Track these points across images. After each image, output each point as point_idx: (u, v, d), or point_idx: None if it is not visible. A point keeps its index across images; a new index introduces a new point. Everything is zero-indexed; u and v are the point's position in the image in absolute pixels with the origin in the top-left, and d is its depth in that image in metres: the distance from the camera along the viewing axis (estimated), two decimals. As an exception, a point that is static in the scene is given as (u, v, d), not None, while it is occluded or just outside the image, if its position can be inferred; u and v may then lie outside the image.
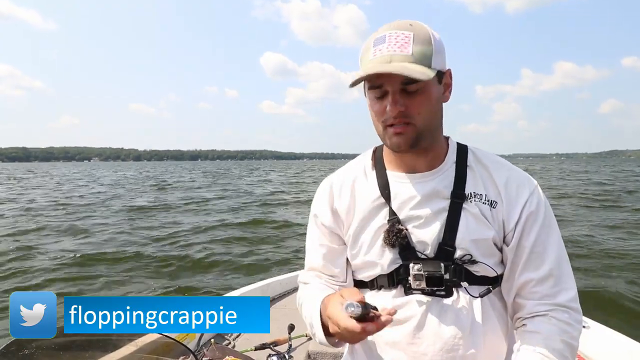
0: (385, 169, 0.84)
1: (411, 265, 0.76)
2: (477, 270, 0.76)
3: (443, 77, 0.75)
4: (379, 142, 0.88)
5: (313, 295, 0.81)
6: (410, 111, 0.72)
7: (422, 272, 0.74)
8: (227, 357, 1.45)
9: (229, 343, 1.87)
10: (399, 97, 0.71)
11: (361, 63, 0.74)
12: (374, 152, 0.89)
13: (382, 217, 0.80)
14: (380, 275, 0.80)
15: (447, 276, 0.74)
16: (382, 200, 0.81)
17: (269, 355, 1.56)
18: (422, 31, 0.71)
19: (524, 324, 0.76)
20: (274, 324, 2.12)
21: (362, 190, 0.84)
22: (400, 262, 0.78)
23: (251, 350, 1.72)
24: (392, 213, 0.79)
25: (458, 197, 0.77)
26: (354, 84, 0.72)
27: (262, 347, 1.74)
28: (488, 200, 0.77)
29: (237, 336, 1.96)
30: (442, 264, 0.75)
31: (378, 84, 0.72)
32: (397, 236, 0.76)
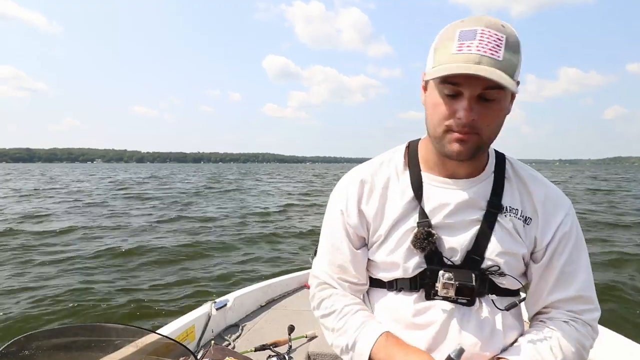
0: (420, 169, 0.80)
1: (441, 272, 0.72)
2: (503, 282, 0.75)
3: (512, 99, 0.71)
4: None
5: (359, 321, 0.78)
6: (480, 122, 0.66)
7: (452, 282, 0.71)
8: (227, 358, 1.45)
9: (229, 344, 1.87)
10: (475, 104, 0.65)
11: (436, 53, 0.66)
12: (408, 147, 0.84)
13: (413, 220, 0.76)
14: (401, 278, 0.78)
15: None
16: (415, 202, 0.77)
17: (269, 356, 1.56)
18: (513, 36, 0.64)
19: (542, 321, 0.77)
20: (274, 324, 2.14)
21: (393, 192, 0.80)
22: (424, 266, 0.75)
23: (251, 351, 1.72)
24: (424, 216, 0.76)
25: (494, 208, 0.75)
26: (432, 78, 0.65)
27: (262, 348, 1.74)
28: (523, 216, 0.75)
29: (237, 337, 1.96)
30: (472, 275, 0.72)
31: (455, 81, 0.64)
32: (427, 241, 0.73)
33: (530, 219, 0.75)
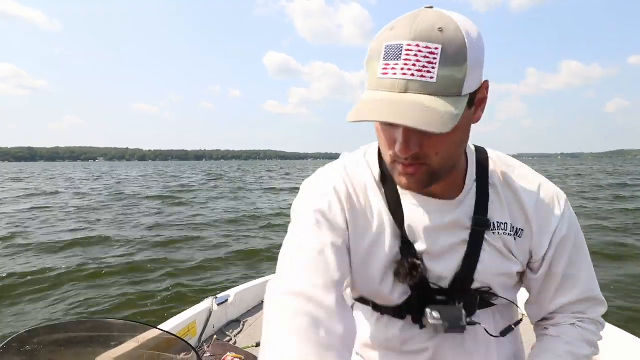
0: (397, 186, 0.69)
1: (428, 310, 0.67)
2: (495, 301, 0.71)
3: (477, 95, 0.57)
4: None
5: None
6: (426, 152, 0.56)
7: (440, 321, 0.66)
8: (228, 354, 1.46)
9: (230, 339, 1.88)
10: (413, 135, 0.55)
11: (367, 68, 0.56)
12: (380, 152, 0.72)
13: (394, 246, 0.68)
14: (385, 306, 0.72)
15: (461, 305, 0.68)
16: (394, 226, 0.68)
17: (270, 352, 1.56)
18: (456, 40, 0.50)
19: (546, 328, 0.73)
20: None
21: (371, 211, 0.69)
22: (410, 292, 0.69)
23: (252, 346, 1.72)
24: (406, 242, 0.67)
25: (480, 225, 0.66)
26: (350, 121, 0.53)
27: (263, 343, 1.74)
28: (513, 230, 0.67)
29: (239, 332, 1.97)
30: (464, 312, 0.67)
31: None
32: (411, 274, 0.66)
33: (522, 230, 0.68)
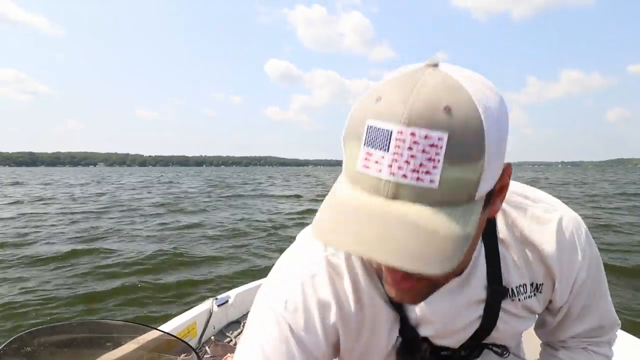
0: None
1: None
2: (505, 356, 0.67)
3: (496, 187, 0.41)
4: None
5: None
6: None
7: None
8: (228, 355, 1.46)
9: (231, 340, 1.88)
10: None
11: (345, 146, 0.40)
12: None
13: (395, 333, 0.58)
14: None
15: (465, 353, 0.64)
16: (395, 315, 0.57)
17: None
18: (469, 125, 0.34)
19: (556, 349, 0.69)
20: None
21: (364, 303, 0.56)
22: None
23: (253, 347, 1.72)
24: (409, 329, 0.58)
25: (496, 296, 0.57)
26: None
27: (264, 344, 1.74)
28: (533, 287, 0.58)
29: (239, 333, 1.97)
30: None
31: None
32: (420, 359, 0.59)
33: (542, 284, 0.58)
